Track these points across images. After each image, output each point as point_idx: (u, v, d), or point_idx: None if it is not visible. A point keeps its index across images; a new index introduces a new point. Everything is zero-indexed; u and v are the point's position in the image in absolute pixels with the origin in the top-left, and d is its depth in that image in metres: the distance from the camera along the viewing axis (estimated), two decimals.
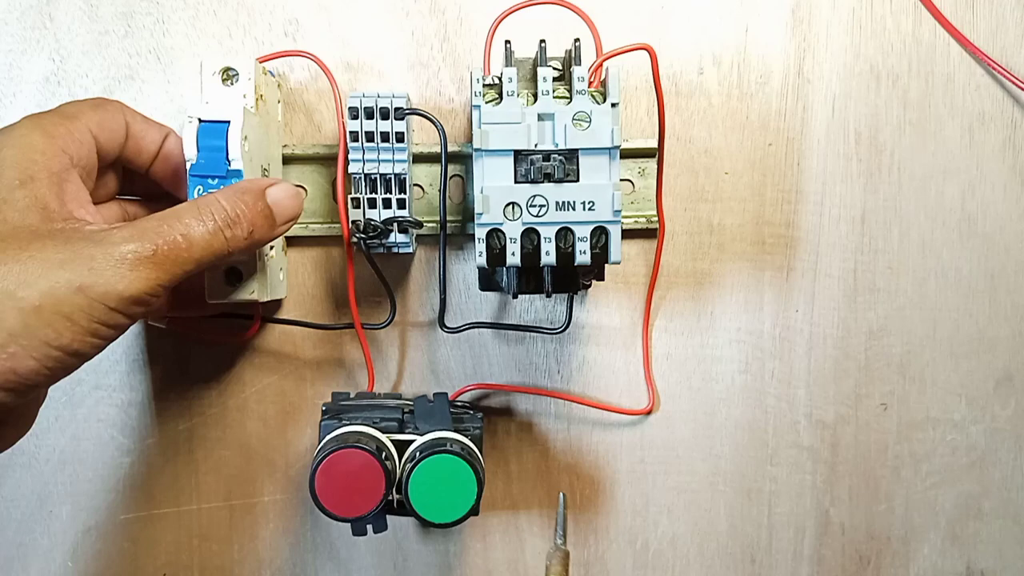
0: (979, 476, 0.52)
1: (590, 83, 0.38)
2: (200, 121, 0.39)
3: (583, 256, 0.39)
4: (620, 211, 0.39)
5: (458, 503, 0.43)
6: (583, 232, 0.39)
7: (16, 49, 0.45)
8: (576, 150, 0.38)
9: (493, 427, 0.50)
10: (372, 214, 0.43)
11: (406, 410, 0.46)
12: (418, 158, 0.45)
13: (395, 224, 0.43)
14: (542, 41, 0.38)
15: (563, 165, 0.38)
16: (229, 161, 0.39)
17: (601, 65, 0.39)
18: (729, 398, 0.51)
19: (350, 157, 0.42)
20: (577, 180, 0.38)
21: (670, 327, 0.50)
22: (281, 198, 0.38)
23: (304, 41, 0.46)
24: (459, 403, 0.48)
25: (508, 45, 0.40)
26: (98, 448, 0.50)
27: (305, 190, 0.46)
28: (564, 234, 0.39)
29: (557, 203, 0.38)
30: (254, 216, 0.37)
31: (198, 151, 0.39)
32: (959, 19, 0.47)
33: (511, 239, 0.39)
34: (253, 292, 0.42)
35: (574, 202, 0.38)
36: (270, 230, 0.38)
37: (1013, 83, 0.47)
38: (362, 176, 0.43)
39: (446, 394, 0.45)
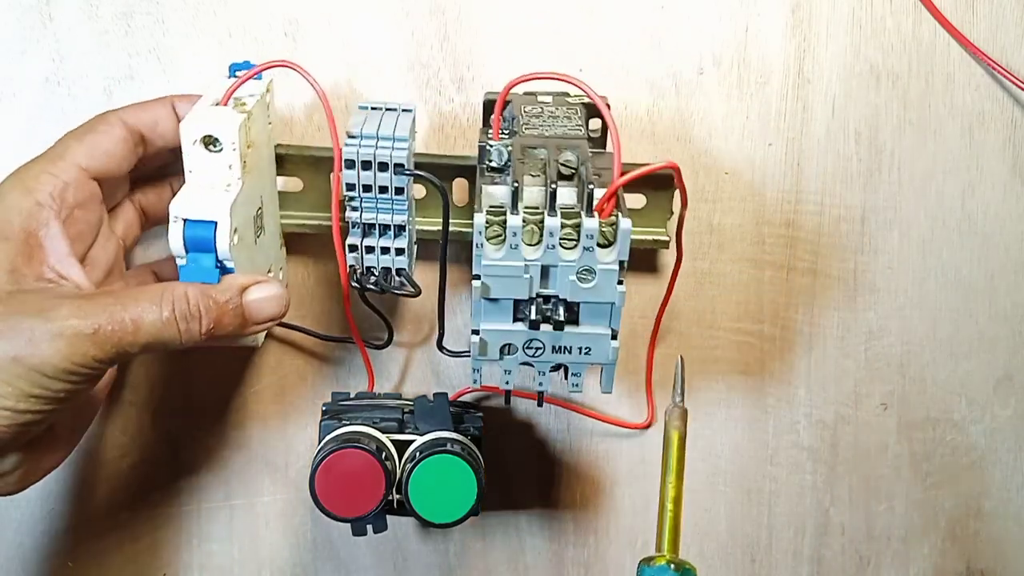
0: (979, 476, 0.52)
1: (600, 208, 0.36)
2: (185, 221, 0.36)
3: (576, 389, 0.39)
4: (616, 355, 0.38)
5: (458, 503, 0.43)
6: (578, 369, 0.39)
7: (16, 49, 0.45)
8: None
9: (493, 427, 0.50)
10: (370, 259, 0.42)
11: (406, 410, 0.46)
12: (419, 165, 0.44)
13: (392, 280, 0.42)
14: (553, 183, 0.37)
15: (564, 309, 0.37)
16: (220, 263, 0.37)
17: (615, 194, 0.36)
18: (729, 398, 0.51)
19: (347, 204, 0.41)
20: (577, 323, 0.38)
21: (671, 327, 0.50)
22: (260, 299, 0.37)
23: (304, 41, 0.46)
24: (459, 403, 0.48)
25: (517, 188, 0.37)
26: (98, 448, 0.50)
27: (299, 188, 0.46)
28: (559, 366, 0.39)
29: (554, 347, 0.38)
30: (220, 315, 0.36)
31: (187, 251, 0.36)
32: (959, 19, 0.47)
33: (505, 370, 0.39)
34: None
35: (571, 347, 0.38)
36: (239, 328, 0.37)
37: (1013, 83, 0.47)
38: (360, 223, 0.41)
39: (446, 394, 0.45)
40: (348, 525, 0.44)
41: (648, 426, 0.51)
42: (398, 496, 0.43)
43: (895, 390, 0.51)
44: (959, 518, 0.53)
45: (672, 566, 0.33)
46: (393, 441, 0.44)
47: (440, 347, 0.44)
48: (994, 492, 0.53)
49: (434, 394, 0.46)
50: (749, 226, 0.49)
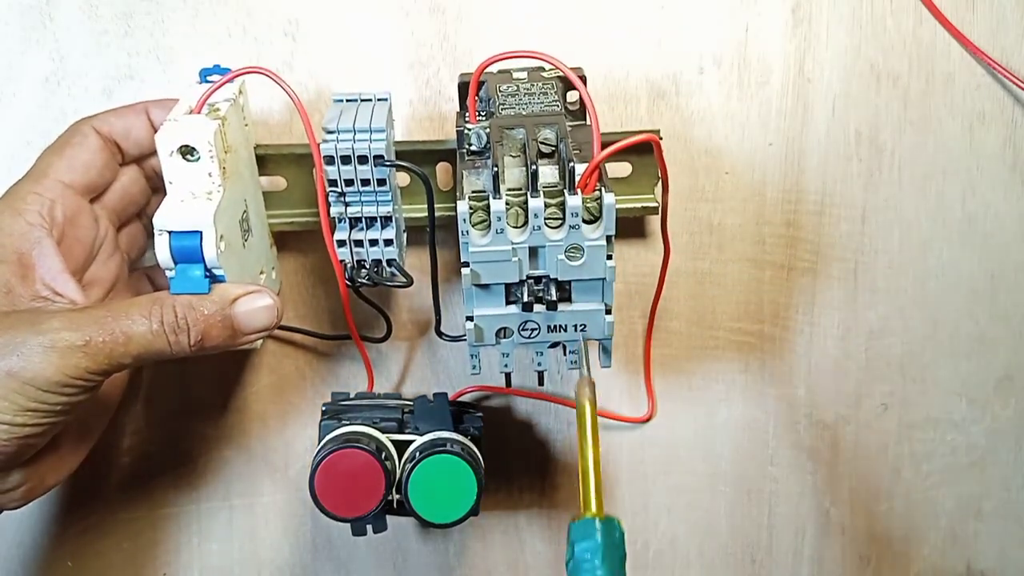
0: (979, 476, 0.52)
1: (583, 184, 0.36)
2: (170, 233, 0.36)
3: (574, 366, 0.39)
4: (612, 329, 0.38)
5: (458, 503, 0.43)
6: (575, 347, 0.39)
7: (16, 49, 0.45)
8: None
9: (493, 427, 0.50)
10: (360, 253, 0.41)
11: (406, 410, 0.46)
12: (401, 153, 0.43)
13: (383, 271, 0.42)
14: (533, 163, 0.36)
15: (555, 288, 0.37)
16: (209, 272, 0.37)
17: (596, 169, 0.36)
18: (729, 398, 0.51)
19: (331, 199, 0.40)
20: (570, 301, 0.38)
21: (670, 327, 0.50)
22: (250, 310, 0.37)
23: (304, 41, 0.46)
24: (459, 403, 0.48)
25: (497, 172, 0.37)
26: (98, 448, 0.49)
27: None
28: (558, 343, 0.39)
29: (549, 327, 0.38)
30: (208, 327, 0.36)
31: (175, 263, 0.36)
32: (959, 19, 0.47)
33: (503, 353, 0.39)
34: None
35: (566, 325, 0.38)
36: (230, 339, 0.37)
37: (1013, 83, 0.47)
38: (346, 218, 0.41)
39: (446, 394, 0.45)
40: (348, 525, 0.44)
41: (648, 419, 0.51)
42: (398, 496, 0.43)
43: (895, 390, 0.51)
44: (959, 518, 0.53)
45: (596, 520, 0.33)
46: (393, 441, 0.44)
47: (439, 333, 0.44)
48: (994, 492, 0.53)
49: (434, 394, 0.46)
50: (749, 226, 0.49)
